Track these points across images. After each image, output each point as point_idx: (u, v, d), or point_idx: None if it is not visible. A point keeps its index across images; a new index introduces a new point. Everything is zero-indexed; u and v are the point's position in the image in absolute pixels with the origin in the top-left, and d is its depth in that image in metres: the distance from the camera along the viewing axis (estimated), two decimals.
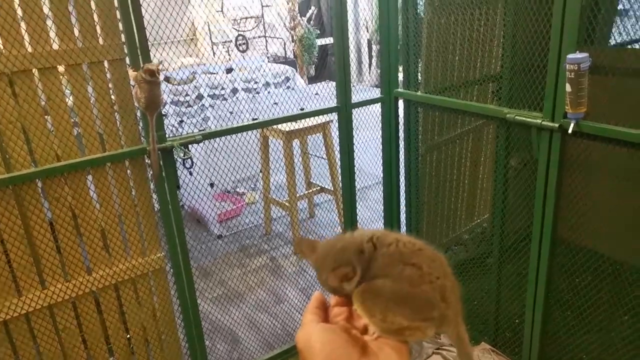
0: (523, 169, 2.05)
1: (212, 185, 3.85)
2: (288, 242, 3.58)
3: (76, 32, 1.50)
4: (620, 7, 2.34)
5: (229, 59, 6.13)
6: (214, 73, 4.97)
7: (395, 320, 0.48)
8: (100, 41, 1.55)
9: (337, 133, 2.32)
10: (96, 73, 1.57)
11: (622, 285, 1.95)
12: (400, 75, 2.39)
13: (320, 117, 3.39)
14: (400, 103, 2.41)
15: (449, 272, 0.50)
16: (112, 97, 1.63)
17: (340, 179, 2.46)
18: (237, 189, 4.33)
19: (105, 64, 1.58)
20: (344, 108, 2.23)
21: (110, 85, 1.61)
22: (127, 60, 1.61)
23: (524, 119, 1.81)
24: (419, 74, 2.35)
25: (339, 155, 2.39)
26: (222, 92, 4.68)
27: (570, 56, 1.54)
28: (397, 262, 0.49)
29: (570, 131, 1.64)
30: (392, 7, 2.26)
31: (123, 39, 1.58)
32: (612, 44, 2.47)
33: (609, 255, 2.23)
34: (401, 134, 2.49)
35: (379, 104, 2.40)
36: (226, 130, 1.88)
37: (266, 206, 3.63)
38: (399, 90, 2.36)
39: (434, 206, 2.84)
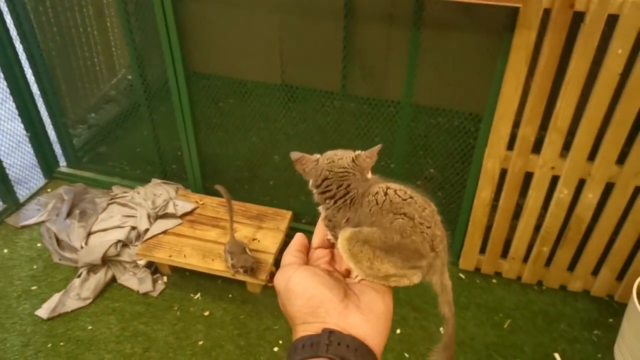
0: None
1: None
2: None
3: None
4: None
5: None
6: None
7: (382, 268, 0.48)
8: None
9: None
10: None
11: (249, 99, 2.38)
12: None
13: None
14: None
15: (438, 220, 0.50)
16: None
17: None
18: None
19: None
20: None
21: None
22: None
23: None
24: None
25: None
26: None
27: None
28: (387, 211, 0.48)
29: None
30: None
31: None
32: None
33: (236, 77, 2.63)
34: None
35: None
36: None
37: None
38: None
39: (68, 67, 2.65)
